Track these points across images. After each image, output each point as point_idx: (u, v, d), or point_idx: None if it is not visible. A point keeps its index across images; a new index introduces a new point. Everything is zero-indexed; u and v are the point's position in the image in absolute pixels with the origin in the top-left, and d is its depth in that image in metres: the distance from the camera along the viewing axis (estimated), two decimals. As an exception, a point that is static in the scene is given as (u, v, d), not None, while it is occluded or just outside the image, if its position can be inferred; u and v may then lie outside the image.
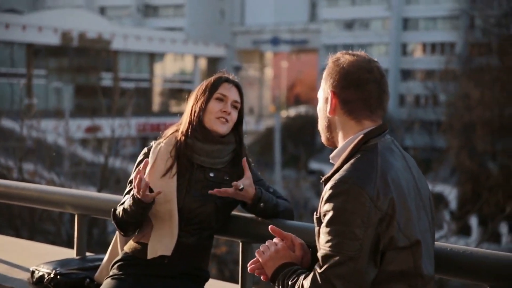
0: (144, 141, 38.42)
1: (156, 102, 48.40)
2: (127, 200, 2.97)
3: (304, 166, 24.39)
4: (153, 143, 3.11)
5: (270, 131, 41.01)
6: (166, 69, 48.69)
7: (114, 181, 13.57)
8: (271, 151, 35.71)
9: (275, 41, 58.08)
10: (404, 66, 53.22)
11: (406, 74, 53.22)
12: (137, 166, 3.08)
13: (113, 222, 3.04)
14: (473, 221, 25.21)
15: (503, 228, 23.64)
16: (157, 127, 40.89)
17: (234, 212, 3.18)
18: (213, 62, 50.50)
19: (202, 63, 50.60)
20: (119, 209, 3.01)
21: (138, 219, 2.96)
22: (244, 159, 3.02)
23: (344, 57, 2.36)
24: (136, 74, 43.85)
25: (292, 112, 52.43)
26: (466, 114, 27.29)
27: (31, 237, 11.22)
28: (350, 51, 2.39)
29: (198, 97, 3.07)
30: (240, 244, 3.28)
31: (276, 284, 2.33)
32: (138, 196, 2.87)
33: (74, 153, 16.71)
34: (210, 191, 2.94)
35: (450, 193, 22.36)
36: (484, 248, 2.69)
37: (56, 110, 26.36)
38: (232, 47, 56.45)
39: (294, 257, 2.40)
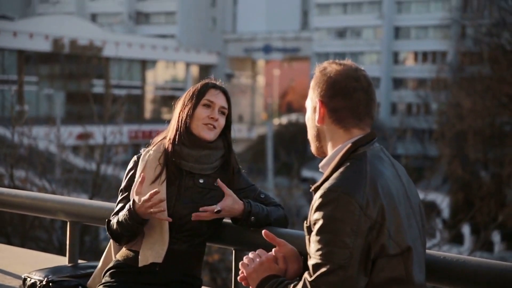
0: (136, 148, 38.38)
1: (148, 109, 48.40)
2: (122, 213, 2.95)
3: (296, 174, 24.40)
4: (142, 151, 3.11)
5: (263, 139, 41.07)
6: (158, 76, 48.72)
7: (106, 188, 13.53)
8: (264, 159, 35.75)
9: (267, 49, 58.25)
10: (396, 74, 53.48)
11: (398, 83, 53.48)
12: (127, 175, 3.08)
13: (107, 232, 3.03)
14: (466, 230, 25.28)
15: (496, 237, 23.72)
16: (149, 134, 40.86)
17: (226, 220, 3.16)
18: (205, 70, 50.54)
19: (194, 71, 50.64)
20: (114, 221, 3.00)
21: (133, 233, 2.96)
22: (218, 180, 2.99)
23: (331, 66, 2.37)
24: (127, 81, 43.78)
25: (284, 120, 52.54)
26: (458, 123, 27.39)
27: (22, 244, 11.17)
28: (337, 61, 2.40)
29: (185, 103, 3.06)
30: (233, 252, 3.27)
31: None
32: (135, 210, 2.87)
33: (65, 160, 16.64)
34: (193, 215, 2.91)
35: (443, 201, 22.40)
36: (476, 257, 2.68)
37: (47, 117, 26.29)
38: (224, 55, 56.57)
39: (278, 269, 2.40)
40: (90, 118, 19.35)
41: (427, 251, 2.63)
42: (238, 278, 2.43)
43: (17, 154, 13.21)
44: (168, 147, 3.03)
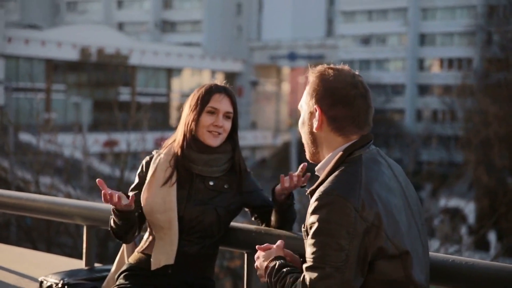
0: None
1: (174, 116, 48.55)
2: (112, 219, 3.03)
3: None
4: (154, 153, 3.15)
5: (287, 146, 40.96)
6: (184, 84, 48.84)
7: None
8: (288, 165, 35.68)
9: (292, 56, 58.06)
10: (421, 81, 53.05)
11: (423, 89, 53.04)
12: (138, 175, 3.13)
13: (111, 233, 3.10)
14: (492, 237, 25.01)
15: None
16: (174, 142, 41.01)
17: (238, 224, 3.21)
18: (231, 77, 50.58)
19: (220, 78, 50.24)
20: (110, 221, 3.08)
21: (126, 228, 3.01)
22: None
23: (328, 72, 2.34)
24: (153, 89, 44.08)
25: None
26: (483, 129, 27.13)
27: (48, 250, 11.26)
28: (332, 65, 2.38)
29: (191, 108, 3.07)
30: (245, 255, 3.29)
31: (267, 280, 2.35)
32: (115, 209, 2.94)
33: (91, 167, 16.79)
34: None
35: (467, 207, 22.20)
36: (499, 262, 2.68)
37: (74, 124, 26.50)
38: (249, 62, 56.53)
39: (286, 253, 2.44)
40: (116, 125, 19.51)
41: (436, 254, 2.66)
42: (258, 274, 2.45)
43: (43, 161, 13.37)
44: (177, 151, 3.07)
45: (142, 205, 3.06)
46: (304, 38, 58.28)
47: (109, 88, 42.18)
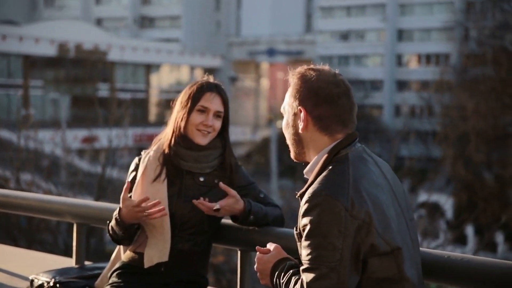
0: (140, 151, 38.39)
1: (153, 112, 48.40)
2: (112, 219, 3.03)
3: (301, 176, 24.38)
4: (143, 153, 3.15)
5: (266, 142, 41.01)
6: (163, 80, 48.69)
7: (111, 191, 13.60)
8: (268, 161, 35.73)
9: (271, 52, 58.07)
10: (399, 76, 53.31)
11: (402, 85, 53.30)
12: (129, 176, 3.13)
13: (108, 235, 3.11)
14: (469, 231, 25.24)
15: (499, 237, 23.68)
16: (153, 137, 40.87)
17: (231, 221, 3.20)
18: (210, 73, 50.13)
19: (199, 74, 50.57)
20: (110, 226, 3.08)
21: (125, 237, 3.03)
22: (221, 183, 3.02)
23: (310, 73, 2.36)
24: (132, 85, 43.88)
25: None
26: (461, 125, 27.32)
27: (29, 247, 11.22)
28: (312, 66, 2.40)
29: (182, 106, 3.07)
30: (239, 252, 3.29)
31: (274, 284, 2.35)
32: (120, 217, 2.95)
33: (70, 163, 16.70)
34: (193, 201, 2.96)
35: (446, 202, 22.39)
36: (496, 259, 2.70)
37: (53, 120, 26.35)
38: (228, 58, 56.47)
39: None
40: (95, 121, 19.44)
41: (431, 250, 2.68)
42: (258, 276, 2.44)
43: (23, 158, 13.30)
44: (166, 148, 3.07)
45: None
46: (282, 34, 58.30)
47: (88, 84, 41.91)
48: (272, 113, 45.41)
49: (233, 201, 3.00)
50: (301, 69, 2.40)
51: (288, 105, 2.39)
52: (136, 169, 3.13)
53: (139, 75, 45.77)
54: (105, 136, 14.20)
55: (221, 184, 3.02)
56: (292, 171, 30.32)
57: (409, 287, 2.22)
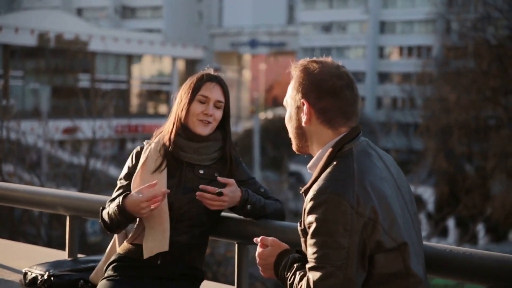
0: (122, 143, 38.27)
1: (134, 103, 48.17)
2: (112, 206, 2.99)
3: (285, 168, 24.46)
4: (145, 143, 3.13)
5: (249, 133, 41.00)
6: (144, 71, 48.44)
7: (95, 183, 13.54)
8: (250, 153, 35.72)
9: (253, 43, 58.09)
10: (381, 69, 53.52)
11: (383, 77, 53.53)
12: (128, 165, 3.11)
13: (100, 221, 3.07)
14: (450, 223, 25.44)
15: (480, 229, 23.87)
16: (135, 129, 40.69)
17: (229, 214, 3.19)
18: (192, 64, 50.28)
19: (180, 65, 50.42)
20: (105, 212, 3.05)
21: (123, 226, 3.01)
22: (219, 177, 3.01)
23: (312, 65, 2.34)
24: (114, 76, 43.60)
25: (270, 114, 52.48)
26: (443, 117, 27.48)
27: (11, 239, 11.14)
28: (315, 58, 2.38)
29: (182, 97, 3.07)
30: (236, 245, 3.27)
31: (279, 277, 2.35)
32: (125, 207, 2.92)
33: (52, 154, 16.59)
34: (197, 194, 2.94)
35: (427, 194, 22.55)
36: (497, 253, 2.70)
37: (33, 111, 26.13)
38: (210, 49, 56.35)
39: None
40: (76, 112, 19.32)
41: (433, 244, 2.66)
42: (260, 271, 2.44)
43: (5, 149, 13.18)
44: (167, 140, 3.06)
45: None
46: (265, 25, 58.30)
47: (68, 75, 41.62)
48: (255, 104, 45.50)
49: (232, 189, 2.99)
50: (303, 61, 2.38)
51: (291, 98, 2.38)
52: (136, 158, 3.11)
53: (120, 65, 45.50)
54: (86, 127, 14.11)
55: (219, 178, 3.00)
56: (275, 163, 30.39)
57: (415, 283, 2.22)
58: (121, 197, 2.96)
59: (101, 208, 3.07)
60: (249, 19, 60.11)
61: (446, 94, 27.79)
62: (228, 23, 60.92)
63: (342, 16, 55.28)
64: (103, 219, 3.04)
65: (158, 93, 49.00)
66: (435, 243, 2.71)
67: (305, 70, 2.34)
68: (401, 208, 2.26)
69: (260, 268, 2.42)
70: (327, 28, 56.30)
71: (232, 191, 2.99)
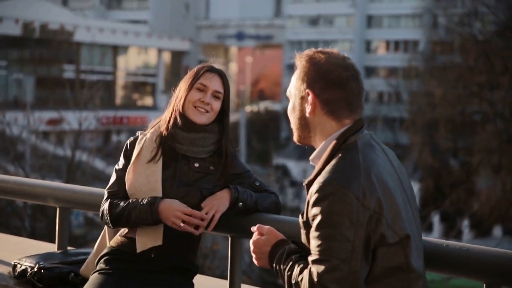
0: (107, 134, 38.10)
1: (119, 95, 47.99)
2: (139, 204, 2.91)
3: (270, 161, 24.58)
4: (139, 134, 3.10)
5: (235, 126, 41.05)
6: (130, 62, 48.26)
7: (81, 174, 13.47)
8: (237, 146, 35.86)
9: (240, 36, 58.10)
10: (368, 63, 53.69)
11: (370, 71, 53.68)
12: (124, 155, 3.06)
13: (107, 215, 2.98)
14: (435, 218, 25.60)
15: (464, 225, 24.04)
16: (120, 120, 40.55)
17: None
18: (178, 56, 50.18)
19: (166, 57, 50.28)
20: (114, 204, 2.97)
21: (132, 224, 2.94)
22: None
23: (318, 55, 2.32)
24: (99, 67, 43.38)
25: (257, 107, 52.51)
26: (429, 112, 27.60)
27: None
28: (321, 49, 2.36)
29: (181, 87, 3.05)
30: (229, 239, 3.24)
31: (274, 268, 2.32)
32: (158, 210, 2.87)
33: (36, 145, 16.47)
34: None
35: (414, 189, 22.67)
36: (495, 248, 2.68)
37: (16, 101, 25.93)
38: (196, 41, 56.25)
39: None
40: (60, 103, 19.20)
41: (429, 239, 2.64)
42: (254, 259, 2.41)
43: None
44: (163, 130, 3.02)
45: (126, 186, 2.99)
46: (252, 18, 58.30)
47: (53, 65, 41.39)
48: (241, 97, 45.47)
49: (210, 199, 2.96)
50: (309, 51, 2.36)
51: (295, 88, 2.35)
52: (131, 148, 3.07)
53: (106, 57, 45.29)
54: (71, 118, 14.03)
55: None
56: (260, 156, 30.43)
57: (415, 277, 2.21)
58: (147, 199, 2.91)
59: (106, 198, 3.01)
60: (236, 11, 60.07)
61: (432, 89, 27.92)
62: (214, 15, 60.84)
63: (329, 10, 55.38)
64: (110, 211, 2.96)
65: (143, 85, 48.85)
66: (431, 238, 2.68)
67: (311, 60, 2.31)
68: (404, 202, 2.24)
69: (254, 256, 2.39)
70: (314, 21, 56.39)
71: (211, 200, 2.95)
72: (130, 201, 2.94)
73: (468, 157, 26.44)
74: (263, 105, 52.21)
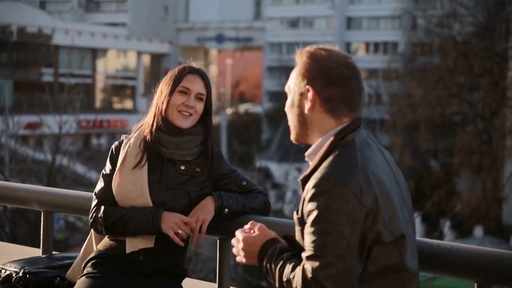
0: (87, 138, 37.90)
1: (99, 98, 47.79)
2: (136, 215, 2.89)
3: (252, 163, 24.54)
4: (123, 137, 3.06)
5: (216, 129, 40.91)
6: (109, 65, 48.11)
7: (61, 179, 13.36)
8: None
9: (219, 38, 58.14)
10: (348, 64, 53.85)
11: (350, 73, 53.89)
12: (110, 160, 3.03)
13: (101, 223, 2.94)
14: (416, 219, 25.68)
15: (446, 225, 24.18)
16: (100, 124, 40.36)
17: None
18: (157, 59, 50.11)
19: (146, 60, 50.18)
20: (109, 210, 2.94)
21: (129, 233, 2.91)
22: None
23: (320, 52, 2.31)
24: (78, 70, 43.17)
25: (237, 109, 52.56)
26: (409, 113, 27.79)
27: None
28: (322, 46, 2.35)
29: (162, 89, 3.00)
30: (218, 241, 3.22)
31: (264, 267, 2.29)
32: (159, 220, 2.87)
33: (15, 149, 16.31)
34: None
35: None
36: (485, 247, 2.68)
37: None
38: (176, 44, 56.18)
39: (274, 235, 2.37)
40: (39, 107, 19.05)
41: (420, 239, 2.62)
42: (237, 259, 2.39)
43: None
44: (147, 134, 2.98)
45: (113, 192, 2.96)
46: (232, 20, 58.38)
47: (31, 69, 41.14)
48: (221, 100, 45.46)
49: (196, 210, 2.94)
50: (310, 48, 2.34)
51: (295, 84, 2.33)
52: (116, 153, 3.03)
53: (85, 60, 45.10)
54: (50, 122, 13.92)
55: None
56: (242, 158, 30.42)
57: (409, 277, 2.20)
58: (158, 208, 2.91)
59: (96, 203, 2.97)
60: (215, 14, 60.12)
61: (412, 90, 28.13)
62: (194, 18, 60.82)
63: (308, 12, 55.61)
64: (105, 219, 2.92)
65: (123, 88, 48.70)
66: (422, 238, 2.67)
67: (313, 57, 2.30)
68: (399, 201, 2.24)
69: (242, 253, 2.35)
70: (294, 23, 56.60)
71: (200, 207, 2.94)
72: (128, 209, 2.92)
73: (448, 158, 26.67)
74: (243, 108, 52.26)
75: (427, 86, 26.76)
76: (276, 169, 34.63)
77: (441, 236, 23.49)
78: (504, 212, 26.15)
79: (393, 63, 33.70)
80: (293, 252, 2.26)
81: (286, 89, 2.37)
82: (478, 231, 24.66)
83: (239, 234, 2.38)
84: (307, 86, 2.27)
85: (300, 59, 2.33)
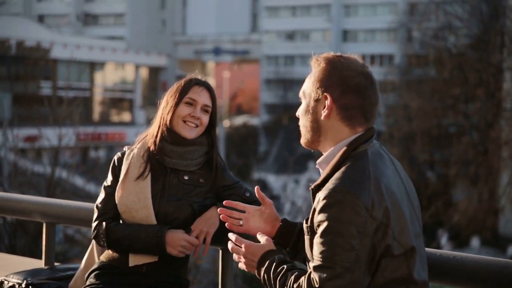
0: (84, 151, 37.82)
1: (97, 111, 47.73)
2: (140, 237, 2.90)
3: (250, 175, 24.51)
4: (126, 149, 3.07)
5: (213, 141, 41.05)
6: (107, 78, 48.04)
7: (61, 191, 13.35)
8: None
9: (217, 51, 58.11)
10: (344, 77, 53.89)
11: (346, 85, 53.92)
12: (112, 171, 3.04)
13: (103, 238, 2.97)
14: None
15: (443, 236, 24.15)
16: (98, 137, 40.28)
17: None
18: (155, 72, 50.06)
19: (144, 73, 50.12)
20: (112, 226, 2.96)
21: (134, 251, 2.95)
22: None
23: (338, 60, 2.28)
24: (76, 83, 43.16)
25: (235, 122, 52.48)
26: (406, 125, 27.74)
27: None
28: (339, 53, 2.32)
29: (168, 100, 3.01)
30: (220, 252, 3.24)
31: (261, 277, 2.30)
32: (164, 240, 2.89)
33: (14, 162, 16.33)
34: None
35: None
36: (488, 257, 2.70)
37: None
38: (174, 57, 56.15)
39: (267, 245, 2.36)
40: (38, 120, 19.06)
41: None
42: (239, 265, 2.39)
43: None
44: (151, 144, 2.99)
45: (116, 203, 2.97)
46: (229, 33, 58.38)
47: (30, 82, 41.08)
48: (219, 112, 45.23)
49: (202, 219, 2.98)
50: (327, 54, 2.32)
51: (311, 89, 2.29)
52: (118, 164, 3.04)
53: (83, 73, 45.07)
54: (50, 135, 13.93)
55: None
56: (240, 170, 30.38)
57: None
58: (161, 230, 2.91)
59: (98, 216, 2.98)
60: (212, 27, 60.15)
61: (409, 101, 28.07)
62: (191, 31, 60.84)
63: (305, 25, 55.64)
64: (108, 235, 2.95)
65: (121, 101, 48.61)
66: (425, 247, 2.72)
67: (331, 64, 2.27)
68: (410, 213, 2.22)
69: (243, 260, 2.36)
70: (290, 36, 56.59)
71: (204, 219, 2.97)
72: (131, 228, 2.93)
73: (445, 169, 26.60)
74: (241, 120, 52.23)
75: (423, 97, 26.74)
76: (274, 181, 34.56)
77: (438, 247, 23.49)
78: (500, 223, 26.14)
79: (389, 75, 33.65)
80: (293, 263, 2.27)
81: (301, 94, 2.35)
82: (475, 241, 24.64)
83: (239, 239, 2.39)
84: (325, 93, 2.25)
85: (317, 65, 2.30)
